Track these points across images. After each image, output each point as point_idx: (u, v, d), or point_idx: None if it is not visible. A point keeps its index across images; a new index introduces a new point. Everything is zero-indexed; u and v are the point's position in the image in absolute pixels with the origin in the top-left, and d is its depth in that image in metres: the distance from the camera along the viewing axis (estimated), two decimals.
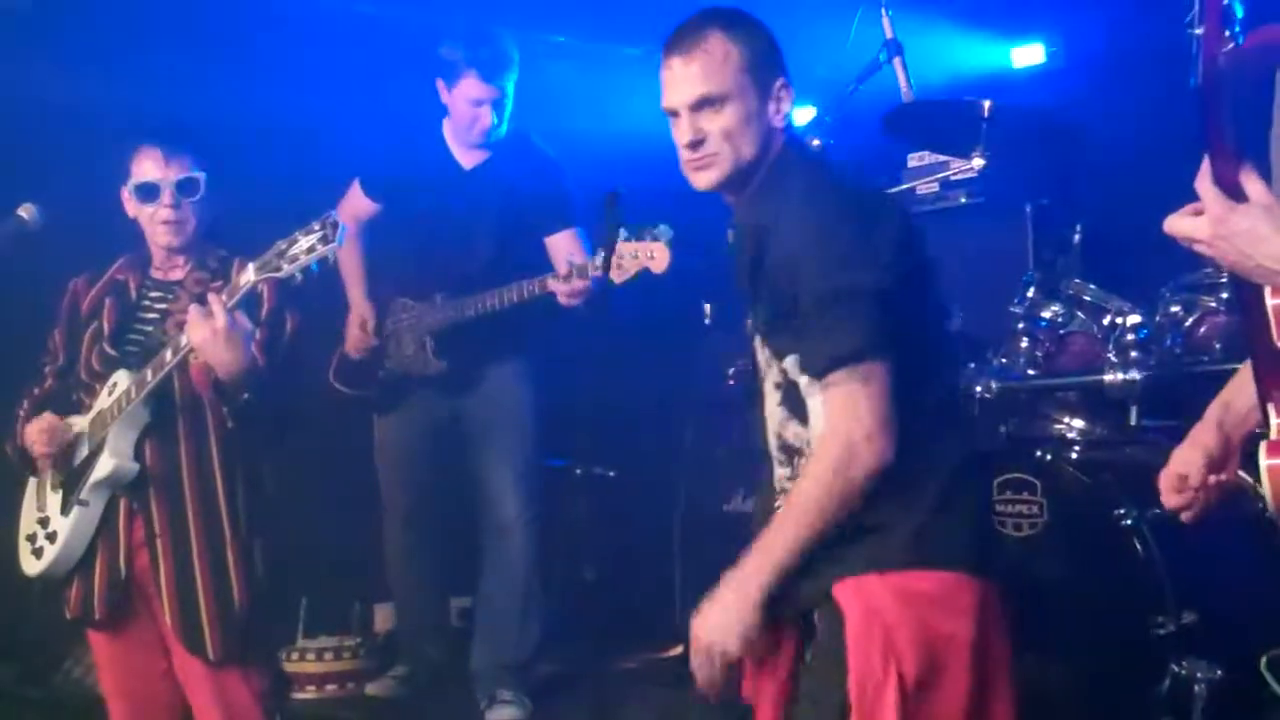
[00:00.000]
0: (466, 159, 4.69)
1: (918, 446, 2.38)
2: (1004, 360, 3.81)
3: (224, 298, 3.05)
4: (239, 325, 3.02)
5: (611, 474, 5.10)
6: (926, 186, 4.91)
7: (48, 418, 3.36)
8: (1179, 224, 1.89)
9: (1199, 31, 1.78)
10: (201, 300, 3.11)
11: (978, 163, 4.11)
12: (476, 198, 4.59)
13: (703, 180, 2.54)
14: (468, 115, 4.56)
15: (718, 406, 5.43)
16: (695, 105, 2.49)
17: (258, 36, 4.99)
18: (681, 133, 2.52)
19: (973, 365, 3.89)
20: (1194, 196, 1.95)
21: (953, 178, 4.75)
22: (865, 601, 2.35)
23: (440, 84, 4.59)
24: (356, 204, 4.77)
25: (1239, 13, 1.77)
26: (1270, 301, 1.92)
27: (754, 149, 2.51)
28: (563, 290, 4.21)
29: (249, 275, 3.05)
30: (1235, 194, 1.84)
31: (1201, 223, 1.86)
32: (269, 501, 3.36)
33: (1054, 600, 3.43)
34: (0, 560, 3.46)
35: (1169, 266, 3.79)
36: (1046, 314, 3.77)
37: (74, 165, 3.50)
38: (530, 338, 4.64)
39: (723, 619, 2.40)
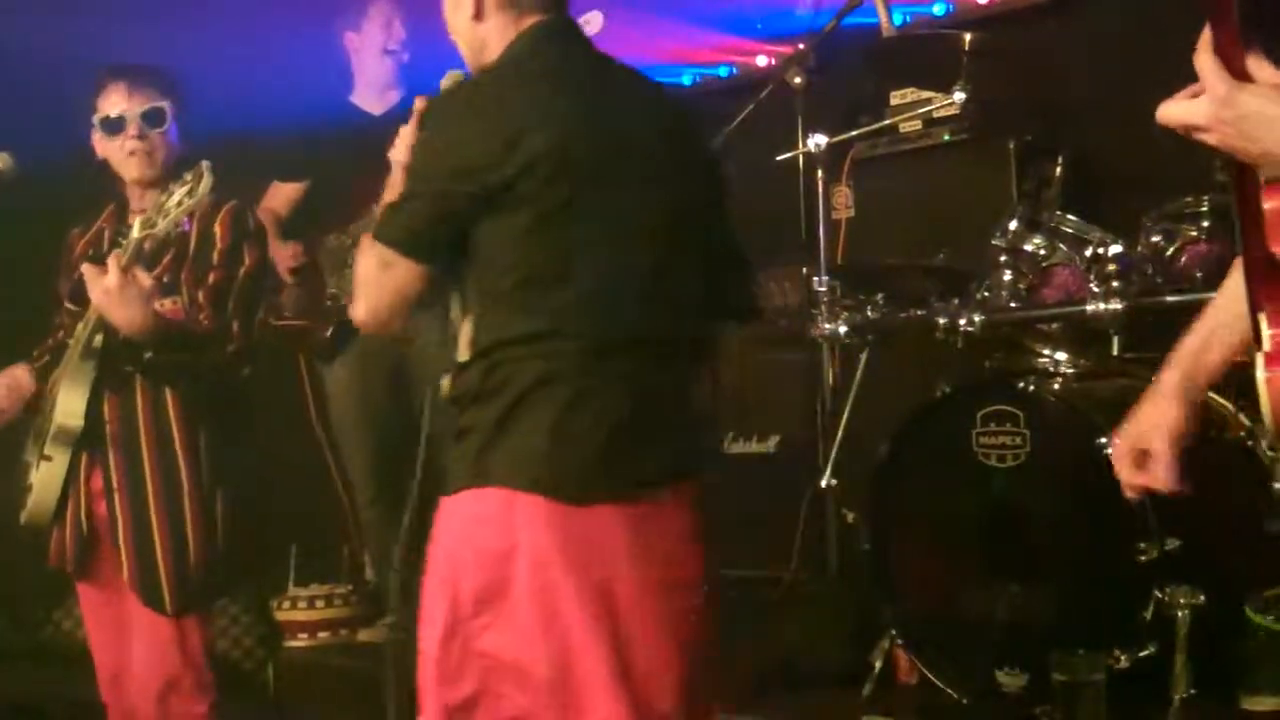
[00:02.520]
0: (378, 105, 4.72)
1: (492, 370, 2.34)
2: (987, 294, 3.81)
3: (120, 253, 3.01)
4: (134, 283, 2.96)
5: None
6: (909, 124, 4.90)
7: (10, 372, 3.36)
8: (1173, 109, 1.69)
9: None
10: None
11: (959, 97, 4.11)
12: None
13: None
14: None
15: None
16: None
17: None
18: None
19: (956, 300, 3.89)
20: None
21: (935, 114, 4.76)
22: (435, 524, 2.39)
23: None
24: (281, 193, 4.79)
25: None
26: (1267, 205, 1.72)
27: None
28: None
29: (136, 231, 3.02)
30: (1240, 74, 1.64)
31: (1201, 104, 1.65)
32: (236, 451, 3.33)
33: (1038, 530, 3.46)
34: None
35: (1150, 197, 3.79)
36: (1028, 247, 3.77)
37: (51, 112, 3.45)
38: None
39: None
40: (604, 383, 2.33)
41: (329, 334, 4.59)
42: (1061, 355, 3.77)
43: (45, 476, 3.22)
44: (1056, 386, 3.63)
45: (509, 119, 2.30)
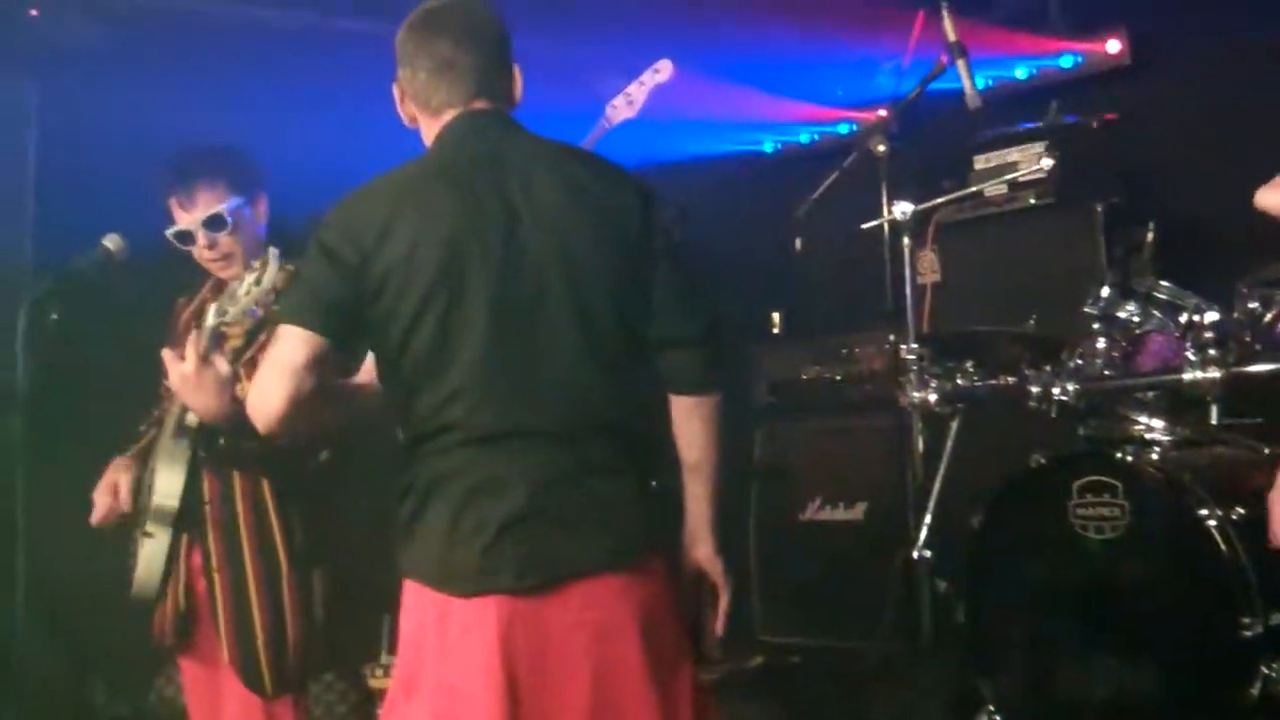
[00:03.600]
0: None
1: (408, 466, 2.44)
2: (1080, 362, 3.77)
3: (197, 339, 3.02)
4: (212, 369, 2.97)
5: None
6: (995, 189, 4.88)
7: (108, 477, 3.38)
8: (1267, 197, 1.75)
9: None
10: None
11: (1046, 163, 4.09)
12: None
13: None
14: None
15: (788, 413, 5.43)
16: None
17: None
18: None
19: (1049, 368, 3.85)
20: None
21: (1021, 179, 4.73)
22: None
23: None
24: None
25: None
26: None
27: None
28: None
29: (210, 320, 3.02)
30: None
31: None
32: (331, 528, 3.35)
33: (1139, 604, 3.40)
34: (98, 577, 3.49)
35: (1245, 262, 3.74)
36: (1122, 314, 3.72)
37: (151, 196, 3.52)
38: None
39: None
40: (497, 477, 2.37)
41: None
42: (1158, 423, 3.71)
43: (148, 552, 3.24)
44: (1155, 456, 3.57)
45: (382, 214, 2.42)
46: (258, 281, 2.96)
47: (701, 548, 2.64)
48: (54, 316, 3.42)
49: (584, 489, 2.40)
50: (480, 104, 2.55)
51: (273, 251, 2.97)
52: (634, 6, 5.09)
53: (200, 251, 3.35)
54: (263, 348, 3.24)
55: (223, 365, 2.98)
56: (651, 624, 2.41)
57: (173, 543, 3.23)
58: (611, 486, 2.44)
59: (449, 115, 2.54)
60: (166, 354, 3.03)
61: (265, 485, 3.27)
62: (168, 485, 3.19)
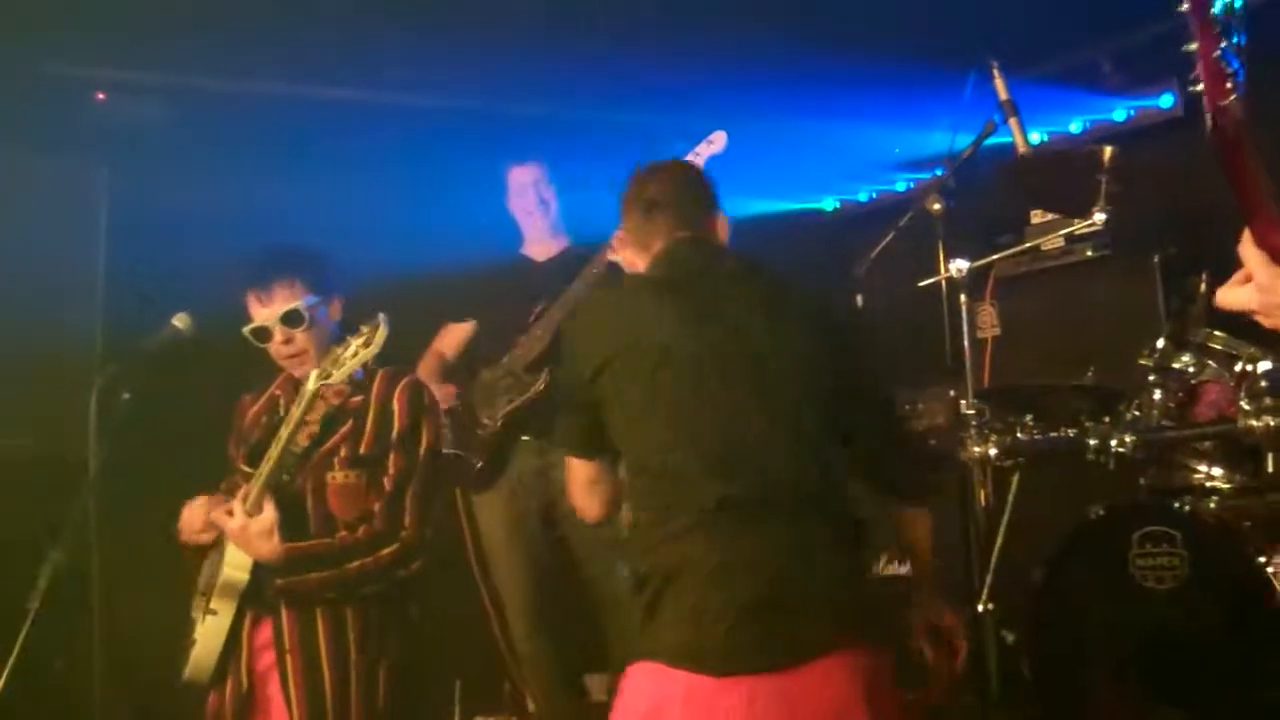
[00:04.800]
0: (540, 254, 4.91)
1: (643, 556, 2.64)
2: (1138, 413, 3.81)
3: (240, 499, 3.13)
4: (259, 520, 3.09)
5: None
6: (1051, 242, 4.94)
7: (202, 500, 3.41)
8: (1228, 295, 1.77)
9: (1200, 89, 1.66)
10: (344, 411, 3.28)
11: (1099, 216, 4.14)
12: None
13: None
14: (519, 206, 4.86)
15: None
16: None
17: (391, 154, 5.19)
18: None
19: (1107, 420, 3.89)
20: None
21: (1077, 232, 4.79)
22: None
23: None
24: (451, 335, 4.98)
25: (1234, 63, 1.65)
26: None
27: None
28: (616, 257, 4.36)
29: (311, 384, 3.12)
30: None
31: (1249, 292, 1.75)
32: (403, 619, 3.37)
33: (1199, 654, 3.41)
34: (168, 662, 3.51)
35: None
36: (1177, 364, 3.77)
37: (224, 277, 3.62)
38: None
39: None
40: (731, 562, 2.52)
41: (481, 465, 4.74)
42: (1216, 471, 3.74)
43: (209, 630, 3.28)
44: (1213, 505, 3.60)
45: (604, 329, 2.77)
46: (366, 344, 3.04)
47: (940, 612, 2.93)
48: (125, 396, 3.52)
49: (813, 567, 2.55)
50: (684, 234, 2.88)
51: (383, 316, 3.07)
52: (695, 73, 5.20)
53: (277, 348, 3.38)
54: (345, 439, 3.34)
55: (270, 513, 3.12)
56: (877, 697, 2.52)
57: (235, 620, 3.27)
58: (834, 563, 2.59)
59: (657, 247, 2.89)
60: (216, 515, 3.20)
61: None
62: (240, 558, 3.24)
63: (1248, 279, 1.76)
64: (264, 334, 3.39)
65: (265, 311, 3.36)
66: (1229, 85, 1.64)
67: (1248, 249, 1.74)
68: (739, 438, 2.59)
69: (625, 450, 2.76)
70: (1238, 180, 1.71)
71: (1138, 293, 4.65)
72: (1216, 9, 1.61)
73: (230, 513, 3.14)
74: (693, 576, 2.54)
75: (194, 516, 3.40)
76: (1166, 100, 5.14)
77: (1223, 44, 1.62)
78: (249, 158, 5.00)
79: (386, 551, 3.25)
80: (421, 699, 3.85)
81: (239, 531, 3.12)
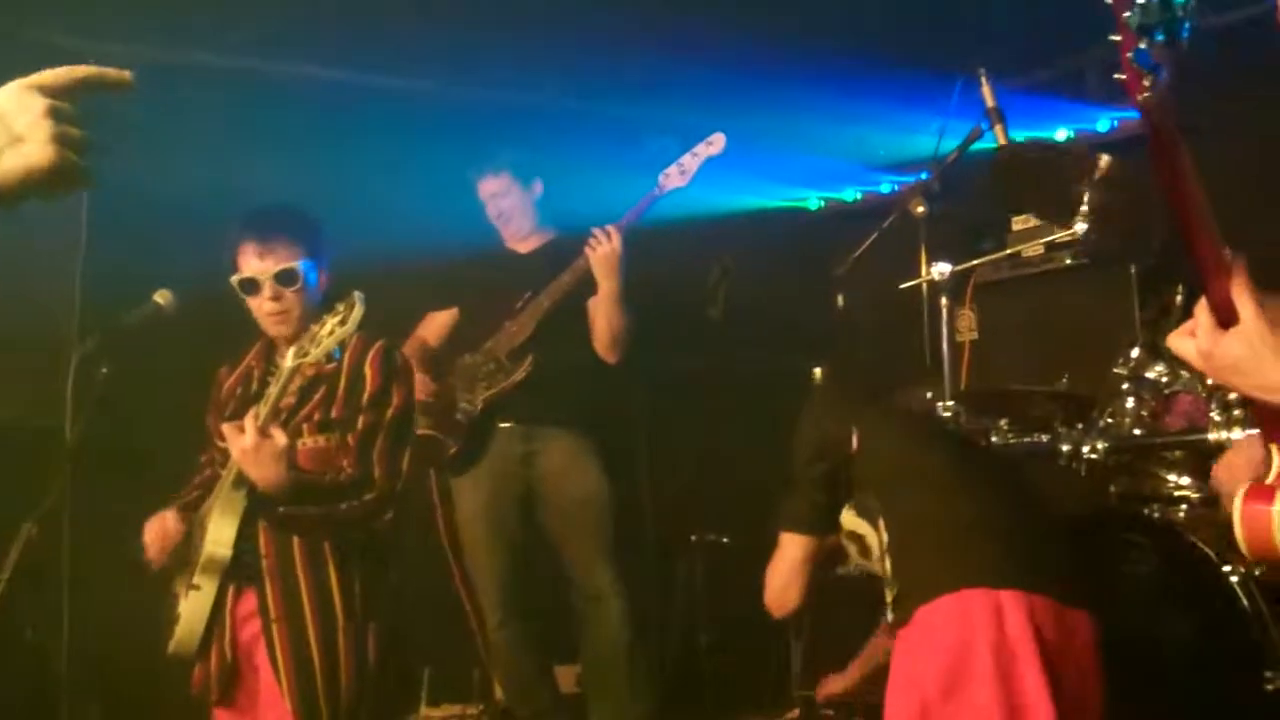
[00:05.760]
0: (524, 247, 4.93)
1: None
2: (1110, 420, 3.84)
3: (259, 409, 3.10)
4: (271, 442, 3.06)
5: (725, 540, 5.17)
6: (1032, 249, 4.96)
7: (161, 519, 3.44)
8: (1175, 344, 1.88)
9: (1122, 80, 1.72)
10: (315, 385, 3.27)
11: (1078, 226, 4.17)
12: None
13: None
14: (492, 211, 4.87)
15: None
16: None
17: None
18: None
19: (1080, 426, 3.92)
20: None
21: (1058, 240, 4.80)
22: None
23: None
24: (434, 323, 5.00)
25: (1149, 61, 1.70)
26: None
27: None
28: (600, 253, 4.47)
29: (288, 362, 3.11)
30: (1227, 314, 1.81)
31: (1192, 348, 1.85)
32: (385, 584, 3.40)
33: (1167, 658, 3.44)
34: (137, 638, 3.55)
35: None
36: (1151, 374, 3.80)
37: (206, 248, 3.60)
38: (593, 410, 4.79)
39: None
40: None
41: (458, 448, 4.75)
42: (1186, 480, 3.77)
43: (193, 605, 3.29)
44: (1182, 514, 3.63)
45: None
46: (343, 322, 3.03)
47: None
48: (104, 370, 3.53)
49: None
50: None
51: (358, 295, 3.05)
52: (685, 69, 5.22)
53: (262, 303, 3.37)
54: (317, 406, 3.36)
55: (280, 438, 3.08)
56: None
57: (219, 595, 3.29)
58: None
59: None
60: (226, 428, 3.15)
61: (323, 540, 3.31)
62: (221, 534, 3.25)
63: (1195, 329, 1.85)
64: (253, 286, 3.37)
65: (260, 265, 3.35)
66: (1146, 82, 1.69)
67: (1199, 310, 1.83)
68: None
69: None
70: (1173, 193, 1.78)
71: (1115, 302, 4.67)
72: (1137, 7, 1.65)
73: (242, 430, 3.09)
74: None
75: (158, 531, 3.42)
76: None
77: (1141, 43, 1.67)
78: (230, 136, 4.98)
79: (367, 497, 3.27)
80: (402, 676, 3.87)
81: (252, 450, 3.06)
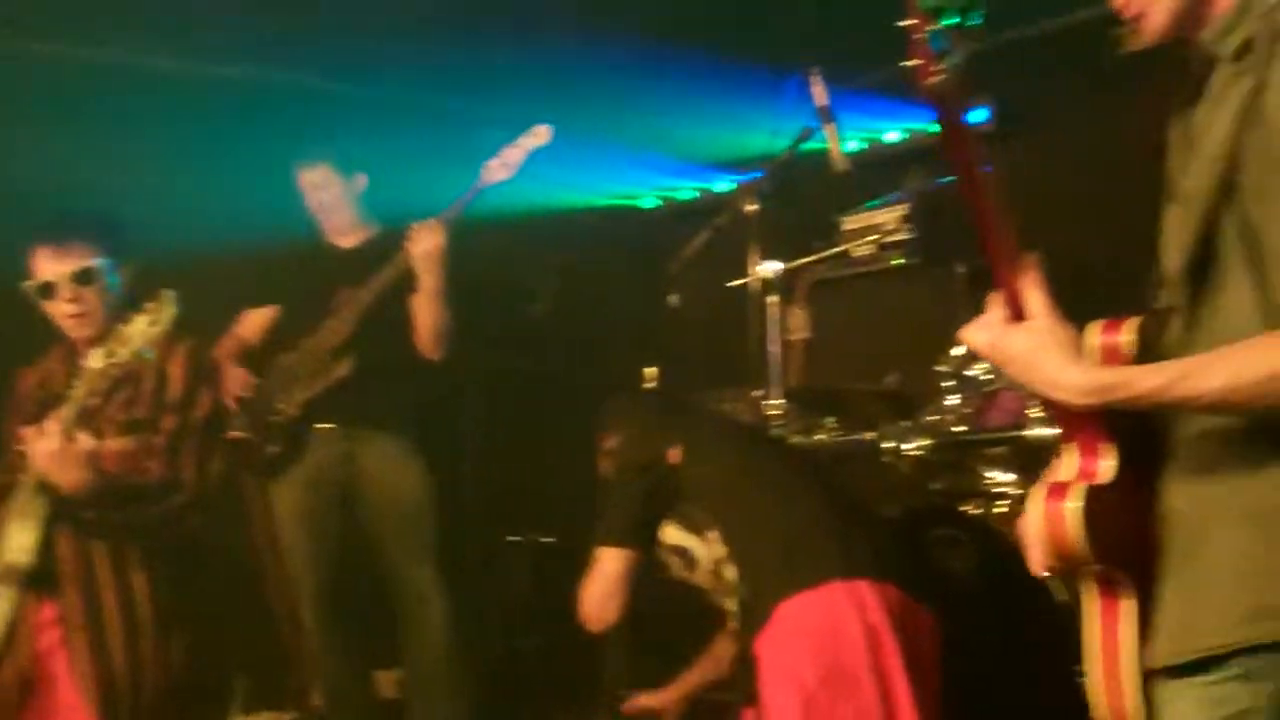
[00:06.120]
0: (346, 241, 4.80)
1: None
2: (933, 418, 3.86)
3: (63, 411, 3.01)
4: (75, 445, 2.98)
5: (551, 540, 5.11)
6: (862, 249, 4.98)
7: None
8: (968, 336, 1.91)
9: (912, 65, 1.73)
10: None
11: (907, 226, 4.20)
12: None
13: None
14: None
15: None
16: None
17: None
18: None
19: (905, 423, 3.93)
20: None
21: (887, 240, 4.83)
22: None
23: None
24: (252, 321, 4.84)
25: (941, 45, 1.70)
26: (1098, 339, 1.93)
27: None
28: (420, 247, 4.40)
29: (95, 362, 3.02)
30: (1018, 308, 1.84)
31: (983, 340, 1.89)
32: (193, 587, 3.31)
33: (985, 650, 3.46)
34: None
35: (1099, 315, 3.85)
36: (972, 371, 3.82)
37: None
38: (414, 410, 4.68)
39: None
40: None
41: (276, 451, 4.62)
42: (1008, 477, 3.80)
43: None
44: (1003, 510, 3.66)
45: None
46: (153, 322, 2.96)
47: None
48: None
49: None
50: None
51: (169, 294, 2.98)
52: (519, 62, 5.14)
53: (61, 306, 3.28)
54: (123, 407, 3.23)
55: (85, 440, 3.00)
56: None
57: (18, 603, 3.17)
58: None
59: None
60: (28, 431, 3.06)
61: (125, 547, 3.22)
62: (20, 541, 3.15)
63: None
64: (49, 290, 3.27)
65: (56, 267, 3.25)
66: (935, 66, 1.70)
67: (993, 297, 1.87)
68: None
69: None
70: (964, 183, 1.81)
71: (942, 301, 4.70)
72: None
73: (44, 433, 3.00)
74: None
75: None
76: (980, 114, 5.23)
77: (932, 26, 1.67)
78: (31, 122, 4.77)
79: (176, 501, 3.20)
80: (210, 683, 3.75)
81: (55, 453, 2.97)
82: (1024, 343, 1.83)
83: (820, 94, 4.28)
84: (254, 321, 4.90)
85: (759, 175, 4.58)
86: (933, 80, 1.71)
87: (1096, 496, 1.84)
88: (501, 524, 5.09)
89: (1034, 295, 1.85)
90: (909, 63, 1.73)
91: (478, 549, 4.85)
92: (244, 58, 5.09)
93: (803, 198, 4.95)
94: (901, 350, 4.55)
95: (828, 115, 4.28)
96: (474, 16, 4.84)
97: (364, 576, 4.72)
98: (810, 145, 4.51)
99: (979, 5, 1.66)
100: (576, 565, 5.20)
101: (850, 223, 5.07)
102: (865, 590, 2.97)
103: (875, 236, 4.77)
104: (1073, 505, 1.83)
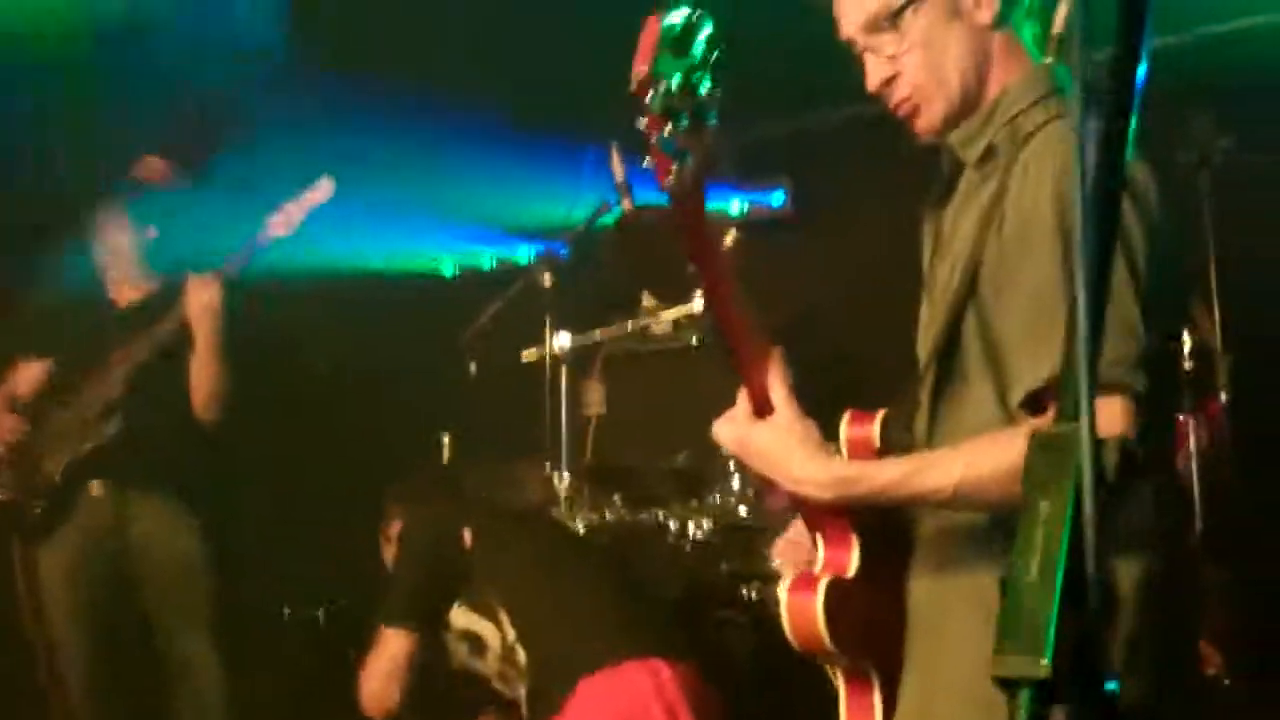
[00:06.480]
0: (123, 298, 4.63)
1: None
2: (718, 498, 3.86)
3: None
4: None
5: (319, 614, 4.93)
6: (660, 326, 4.98)
7: None
8: (718, 430, 1.95)
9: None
10: None
11: (697, 304, 4.22)
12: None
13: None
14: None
15: None
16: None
17: None
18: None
19: (693, 503, 3.93)
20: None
21: (682, 320, 4.84)
22: None
23: None
24: (26, 373, 4.65)
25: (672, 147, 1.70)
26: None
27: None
28: (196, 303, 4.23)
29: None
30: (763, 403, 1.88)
31: (728, 434, 1.92)
32: None
33: None
34: None
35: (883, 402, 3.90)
36: None
37: None
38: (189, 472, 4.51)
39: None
40: None
41: (40, 511, 4.40)
42: None
43: None
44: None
45: None
46: None
47: None
48: None
49: None
50: None
51: None
52: (319, 123, 5.05)
53: None
54: None
55: None
56: None
57: None
58: None
59: None
60: None
61: None
62: None
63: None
64: None
65: None
66: (672, 168, 1.68)
67: (741, 391, 1.91)
68: None
69: None
70: (705, 280, 1.86)
71: (736, 381, 4.72)
72: (660, 96, 1.64)
73: None
74: None
75: None
76: (778, 198, 5.31)
77: (666, 128, 1.65)
78: None
79: None
80: None
81: None
82: (766, 438, 1.86)
83: (618, 168, 4.30)
84: (28, 375, 4.67)
85: (557, 246, 4.58)
86: (667, 181, 1.69)
87: (839, 590, 1.85)
88: (281, 595, 4.92)
89: (778, 389, 1.87)
90: (646, 162, 1.72)
91: (257, 619, 4.67)
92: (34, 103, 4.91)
93: (603, 270, 4.96)
94: (692, 428, 4.54)
95: (625, 189, 4.29)
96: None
97: (138, 643, 4.50)
98: (607, 219, 4.52)
99: (711, 106, 1.65)
100: (347, 641, 5.08)
101: (649, 299, 5.07)
102: (660, 668, 2.97)
103: (673, 314, 4.77)
104: (814, 599, 1.83)
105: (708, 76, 1.65)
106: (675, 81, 1.62)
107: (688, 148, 1.66)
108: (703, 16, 1.65)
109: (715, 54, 1.64)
